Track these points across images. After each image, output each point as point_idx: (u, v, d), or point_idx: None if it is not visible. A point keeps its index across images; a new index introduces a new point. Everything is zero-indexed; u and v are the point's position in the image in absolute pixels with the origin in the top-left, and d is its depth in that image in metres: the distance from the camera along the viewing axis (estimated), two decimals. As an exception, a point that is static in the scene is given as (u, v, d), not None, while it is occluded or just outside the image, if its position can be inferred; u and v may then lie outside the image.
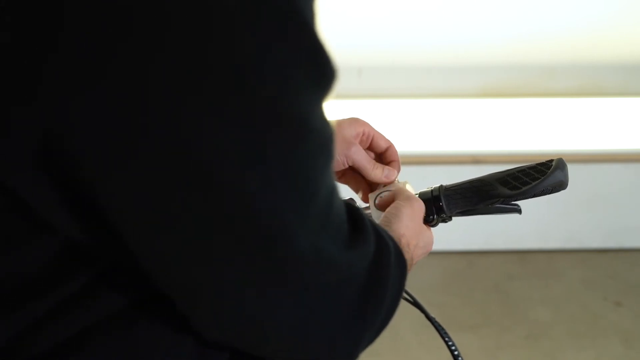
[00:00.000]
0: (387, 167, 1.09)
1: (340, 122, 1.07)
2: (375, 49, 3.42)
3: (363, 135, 1.09)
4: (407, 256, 0.89)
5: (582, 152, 3.21)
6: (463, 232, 3.19)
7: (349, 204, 0.79)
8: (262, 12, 0.63)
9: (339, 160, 1.06)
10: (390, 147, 1.11)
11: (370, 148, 1.11)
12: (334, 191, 0.73)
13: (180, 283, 0.69)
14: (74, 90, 0.60)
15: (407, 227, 0.94)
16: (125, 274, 0.72)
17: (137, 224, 0.65)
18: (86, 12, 0.59)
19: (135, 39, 0.59)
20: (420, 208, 0.98)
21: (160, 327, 0.74)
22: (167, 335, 0.75)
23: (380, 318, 0.79)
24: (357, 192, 1.11)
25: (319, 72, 0.70)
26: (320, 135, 0.70)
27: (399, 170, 1.10)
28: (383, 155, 1.11)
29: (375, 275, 0.76)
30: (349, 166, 1.08)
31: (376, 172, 1.08)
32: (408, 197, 0.99)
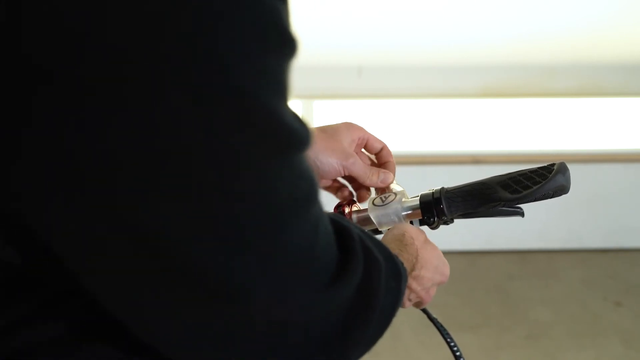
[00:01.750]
0: (382, 170, 1.10)
1: (336, 129, 1.08)
2: (375, 49, 3.42)
3: (359, 140, 1.10)
4: (411, 250, 0.89)
5: (582, 152, 3.21)
6: (464, 232, 3.19)
7: (338, 222, 0.75)
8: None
9: (336, 170, 1.07)
10: (384, 147, 1.12)
11: (365, 149, 1.12)
12: (316, 231, 0.68)
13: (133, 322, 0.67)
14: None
15: (412, 229, 0.96)
16: (70, 299, 0.69)
17: (74, 256, 0.63)
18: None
19: (56, 86, 0.57)
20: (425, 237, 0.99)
21: (107, 350, 0.71)
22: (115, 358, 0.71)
23: (369, 335, 0.78)
24: (356, 191, 1.12)
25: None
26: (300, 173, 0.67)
27: (394, 171, 1.11)
28: (377, 156, 1.13)
29: (362, 301, 0.74)
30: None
31: (372, 178, 1.09)
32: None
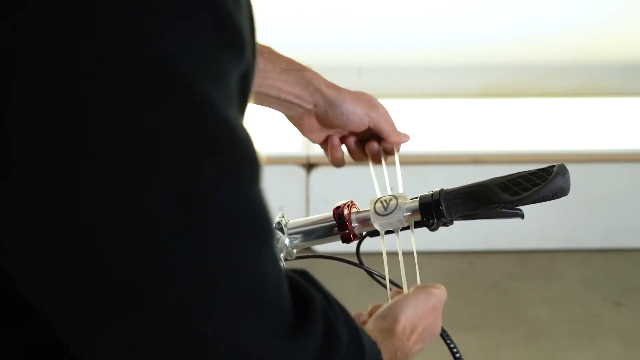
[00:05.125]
0: (402, 132, 1.13)
1: (365, 93, 1.12)
2: (375, 49, 3.42)
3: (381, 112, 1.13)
4: (397, 343, 0.83)
5: (582, 152, 3.21)
6: (463, 232, 3.19)
7: (301, 287, 0.66)
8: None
9: (361, 120, 1.09)
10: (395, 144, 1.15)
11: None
12: (266, 274, 0.60)
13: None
14: None
15: (408, 315, 0.87)
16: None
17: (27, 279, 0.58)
18: None
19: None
20: (427, 297, 0.91)
21: None
22: None
23: None
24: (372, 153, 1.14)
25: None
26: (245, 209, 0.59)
27: (398, 149, 1.13)
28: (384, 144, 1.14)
29: None
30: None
31: (398, 133, 1.12)
32: (418, 289, 0.93)
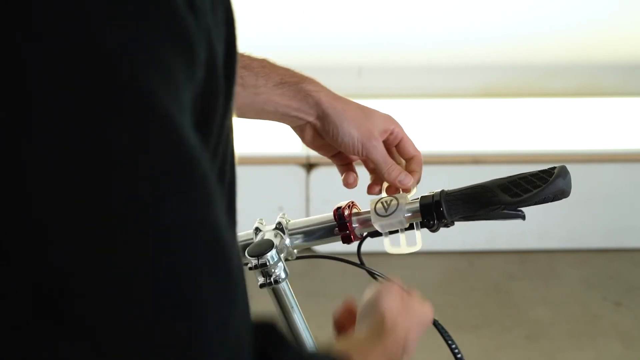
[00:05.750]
0: (405, 172, 1.04)
1: (373, 112, 1.04)
2: (375, 49, 3.42)
3: (391, 134, 1.05)
4: (393, 337, 0.78)
5: (581, 152, 3.21)
6: (463, 232, 3.19)
7: (270, 329, 0.56)
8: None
9: (354, 145, 1.02)
10: (416, 157, 1.07)
11: (397, 150, 1.07)
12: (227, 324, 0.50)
13: None
14: None
15: (389, 308, 0.82)
16: None
17: None
18: None
19: None
20: (381, 286, 0.85)
21: None
22: None
23: None
24: (371, 182, 1.07)
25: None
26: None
27: (417, 182, 1.06)
28: (406, 162, 1.08)
29: None
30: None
31: (392, 173, 1.04)
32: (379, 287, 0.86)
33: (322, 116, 1.03)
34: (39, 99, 0.45)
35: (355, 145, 1.03)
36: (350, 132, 1.02)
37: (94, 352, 0.46)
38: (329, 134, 1.03)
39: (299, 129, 1.06)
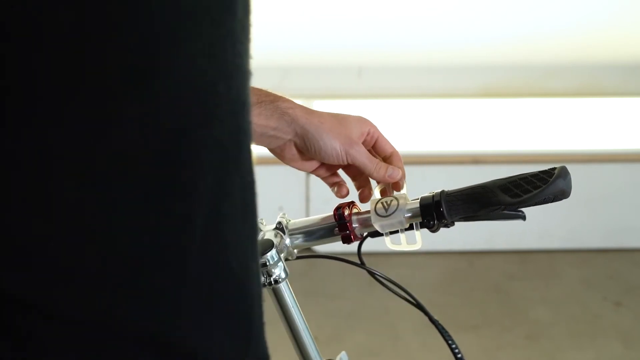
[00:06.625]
0: (391, 166, 1.06)
1: (347, 118, 1.05)
2: (375, 49, 3.42)
3: (368, 135, 1.06)
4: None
5: (581, 152, 3.21)
6: (463, 232, 3.19)
7: None
8: None
9: (338, 155, 1.03)
10: (394, 153, 1.08)
11: (374, 150, 1.09)
12: None
13: None
14: None
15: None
16: None
17: None
18: None
19: None
20: None
21: None
22: None
23: None
24: (358, 189, 1.09)
25: None
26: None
27: (404, 177, 1.07)
28: (386, 160, 1.08)
29: None
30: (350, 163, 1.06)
31: (380, 171, 1.05)
32: None
33: (302, 133, 1.03)
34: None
35: (340, 155, 1.03)
36: (332, 143, 1.03)
37: None
38: (311, 149, 1.04)
39: (279, 149, 1.06)
